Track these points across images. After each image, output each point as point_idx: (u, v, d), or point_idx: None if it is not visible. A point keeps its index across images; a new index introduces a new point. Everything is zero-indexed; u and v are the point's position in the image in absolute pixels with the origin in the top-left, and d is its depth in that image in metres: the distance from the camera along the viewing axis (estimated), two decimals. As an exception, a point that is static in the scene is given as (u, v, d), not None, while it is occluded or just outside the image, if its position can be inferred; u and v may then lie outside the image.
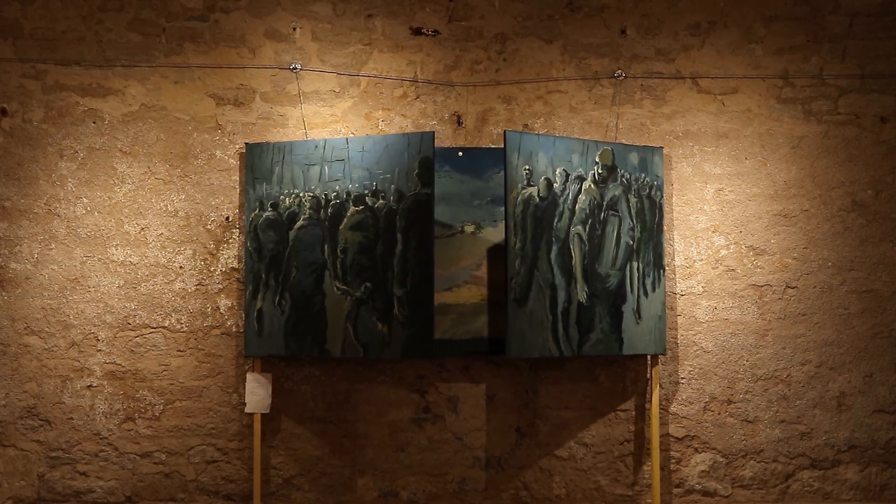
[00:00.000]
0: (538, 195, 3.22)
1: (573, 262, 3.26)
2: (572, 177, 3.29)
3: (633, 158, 3.38)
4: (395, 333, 3.18)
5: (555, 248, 3.24)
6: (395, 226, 3.21)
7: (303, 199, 3.31)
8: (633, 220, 3.37)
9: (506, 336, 3.13)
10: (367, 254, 3.24)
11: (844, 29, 3.59)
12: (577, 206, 3.29)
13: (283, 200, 3.33)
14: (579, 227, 3.29)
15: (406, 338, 3.17)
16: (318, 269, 3.29)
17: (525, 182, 3.19)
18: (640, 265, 3.38)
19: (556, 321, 3.22)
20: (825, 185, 3.57)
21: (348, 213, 3.27)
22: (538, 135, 3.29)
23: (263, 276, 3.33)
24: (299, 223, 3.31)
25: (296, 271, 3.30)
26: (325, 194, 3.30)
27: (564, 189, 3.28)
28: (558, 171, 3.26)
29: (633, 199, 3.38)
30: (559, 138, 3.31)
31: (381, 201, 3.23)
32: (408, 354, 3.18)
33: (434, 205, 3.18)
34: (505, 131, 3.16)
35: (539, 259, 3.21)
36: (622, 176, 3.36)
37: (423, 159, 3.17)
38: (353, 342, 3.23)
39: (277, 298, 3.31)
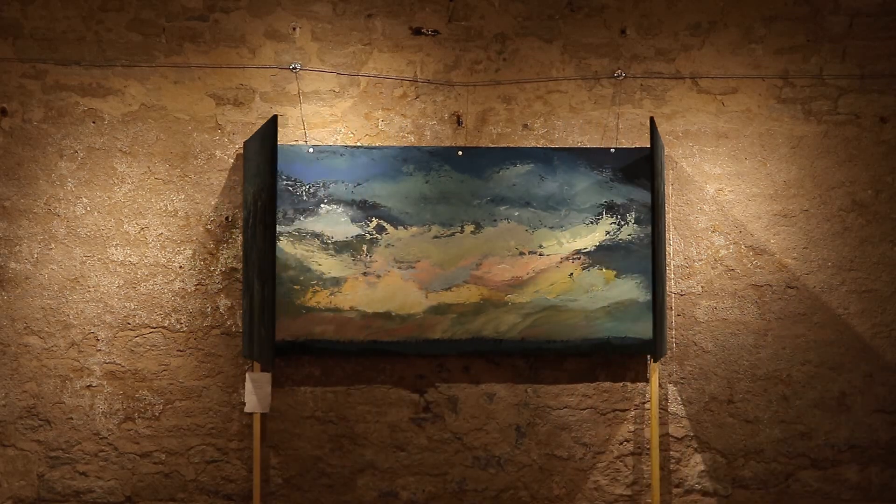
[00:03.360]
0: (661, 189, 3.18)
1: (657, 260, 3.22)
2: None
3: (662, 155, 3.40)
4: (264, 337, 3.01)
5: (657, 243, 3.20)
6: (265, 220, 3.05)
7: (254, 196, 3.24)
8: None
9: (655, 337, 3.07)
10: (262, 251, 3.10)
11: (844, 29, 3.60)
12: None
13: (249, 198, 3.32)
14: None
15: (264, 342, 2.98)
16: (255, 268, 3.22)
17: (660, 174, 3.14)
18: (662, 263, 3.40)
19: (655, 319, 3.19)
20: (825, 185, 3.57)
21: (258, 208, 3.16)
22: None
23: (248, 275, 3.33)
24: (251, 220, 3.28)
25: (251, 270, 3.26)
26: (255, 190, 3.21)
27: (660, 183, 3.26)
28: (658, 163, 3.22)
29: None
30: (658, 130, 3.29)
31: (265, 194, 3.07)
32: (263, 361, 3.02)
33: (276, 198, 2.89)
34: (651, 118, 3.04)
35: (657, 255, 3.15)
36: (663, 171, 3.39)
37: (270, 148, 2.97)
38: (258, 345, 3.14)
39: (249, 298, 3.29)
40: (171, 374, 3.44)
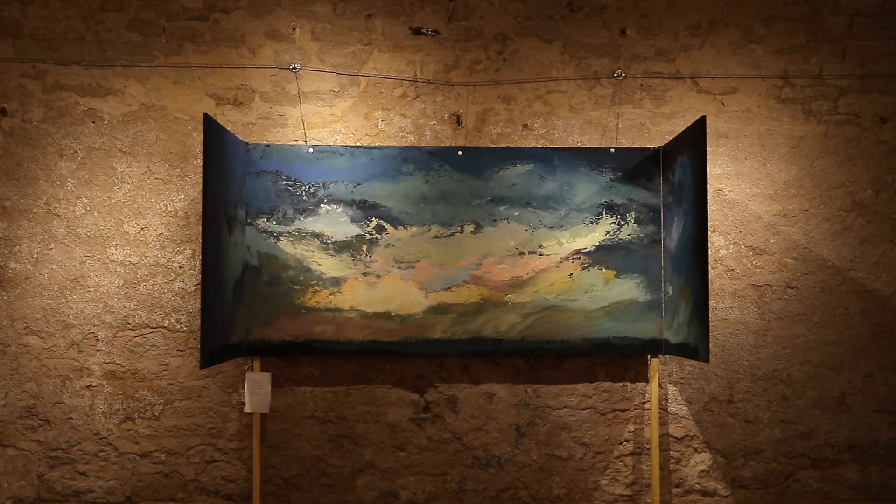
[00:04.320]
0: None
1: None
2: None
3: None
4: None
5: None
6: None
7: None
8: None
9: (705, 340, 2.99)
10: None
11: (844, 29, 3.60)
12: None
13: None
14: None
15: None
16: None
17: None
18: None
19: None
20: (825, 185, 3.57)
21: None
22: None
23: None
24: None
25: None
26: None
27: None
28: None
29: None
30: None
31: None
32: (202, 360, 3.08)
33: (211, 195, 2.92)
34: (703, 116, 2.99)
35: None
36: None
37: (209, 146, 2.95)
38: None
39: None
40: (171, 374, 3.44)
